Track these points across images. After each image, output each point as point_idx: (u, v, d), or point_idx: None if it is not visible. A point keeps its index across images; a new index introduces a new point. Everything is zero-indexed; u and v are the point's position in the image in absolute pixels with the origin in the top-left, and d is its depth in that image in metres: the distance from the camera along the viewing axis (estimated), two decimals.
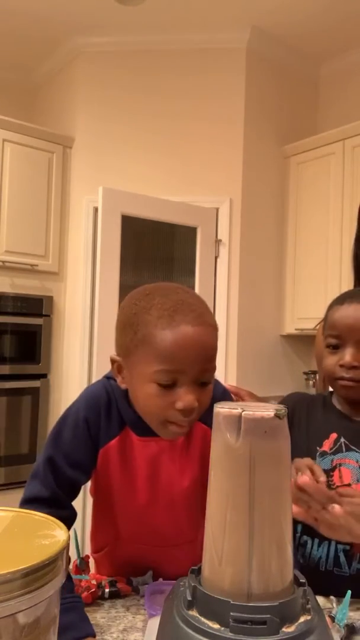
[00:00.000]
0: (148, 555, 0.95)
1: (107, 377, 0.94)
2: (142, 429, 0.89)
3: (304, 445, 1.04)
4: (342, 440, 1.02)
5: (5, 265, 2.94)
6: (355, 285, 1.43)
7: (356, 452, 1.00)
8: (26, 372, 3.01)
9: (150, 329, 0.79)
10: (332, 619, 0.78)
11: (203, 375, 0.80)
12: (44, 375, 3.08)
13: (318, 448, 1.03)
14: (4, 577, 0.41)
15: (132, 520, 0.94)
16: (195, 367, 0.79)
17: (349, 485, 0.98)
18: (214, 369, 0.83)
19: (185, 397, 0.78)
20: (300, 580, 0.59)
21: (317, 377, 3.10)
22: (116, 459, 0.90)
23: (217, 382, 0.97)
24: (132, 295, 0.87)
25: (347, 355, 0.98)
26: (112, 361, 0.88)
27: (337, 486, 0.99)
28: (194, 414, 0.81)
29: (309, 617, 0.55)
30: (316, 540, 0.98)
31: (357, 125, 2.84)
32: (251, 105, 3.08)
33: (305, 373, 3.29)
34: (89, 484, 0.98)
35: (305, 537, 1.00)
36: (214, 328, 0.83)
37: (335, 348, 1.01)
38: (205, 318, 0.81)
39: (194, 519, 0.95)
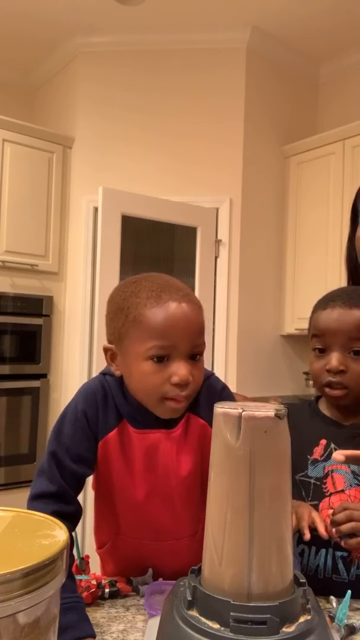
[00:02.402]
0: (149, 550, 0.96)
1: (103, 374, 0.96)
2: (139, 422, 0.91)
3: (294, 455, 1.03)
4: (332, 446, 1.02)
5: (5, 265, 2.94)
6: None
7: None
8: (26, 372, 3.00)
9: (140, 309, 0.83)
10: (332, 619, 0.78)
11: (194, 349, 0.84)
12: (44, 375, 3.08)
13: (309, 457, 1.03)
14: (4, 577, 0.41)
15: (132, 514, 0.94)
16: (185, 341, 0.83)
17: (342, 491, 0.98)
18: (203, 344, 0.87)
19: (179, 371, 0.82)
20: (300, 580, 0.59)
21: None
22: (115, 450, 0.91)
23: (216, 378, 0.99)
24: (119, 285, 0.91)
25: (334, 359, 0.98)
26: (106, 350, 0.91)
27: (331, 493, 0.99)
28: (189, 388, 0.84)
29: (309, 617, 0.55)
30: (313, 549, 0.98)
31: (357, 125, 2.84)
32: (251, 105, 3.08)
33: (305, 373, 3.29)
34: (90, 481, 0.99)
35: (302, 546, 0.99)
36: (200, 307, 0.88)
37: (320, 352, 1.01)
38: (190, 297, 0.86)
39: (193, 513, 0.95)
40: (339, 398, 1.00)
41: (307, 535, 0.88)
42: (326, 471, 1.00)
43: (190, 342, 0.83)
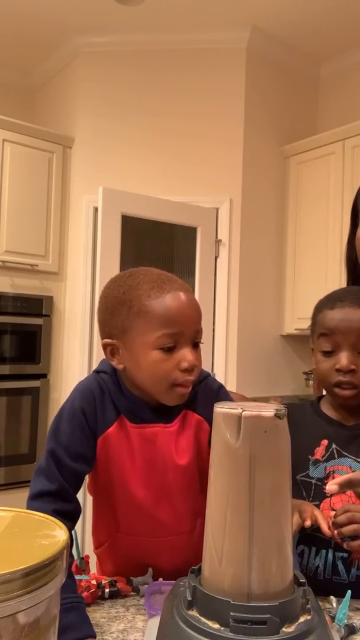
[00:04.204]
0: (148, 547, 0.96)
1: (97, 371, 0.97)
2: (137, 416, 0.92)
3: (295, 455, 1.02)
4: (334, 446, 1.02)
5: (5, 265, 2.94)
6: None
7: (348, 457, 1.00)
8: (26, 372, 3.00)
9: (144, 300, 0.86)
10: (332, 619, 0.78)
11: (197, 335, 0.89)
12: (44, 375, 3.08)
13: (310, 457, 1.02)
14: (4, 577, 0.41)
15: (132, 510, 0.94)
16: (191, 327, 0.87)
17: (343, 492, 0.98)
18: (202, 330, 0.91)
19: (187, 357, 0.86)
20: (300, 580, 0.59)
21: (313, 379, 3.10)
22: (114, 446, 0.92)
23: (213, 379, 1.01)
24: (112, 282, 0.93)
25: (344, 359, 0.97)
26: (106, 345, 0.91)
27: (333, 494, 0.99)
28: (194, 373, 0.88)
29: (309, 617, 0.55)
30: (313, 549, 0.98)
31: (357, 125, 2.84)
32: (251, 105, 3.08)
33: (305, 373, 3.29)
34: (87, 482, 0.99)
35: (302, 546, 0.99)
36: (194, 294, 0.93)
37: (329, 353, 1.00)
38: (186, 286, 0.90)
39: (191, 507, 0.96)
40: (349, 398, 0.99)
41: (308, 522, 0.88)
42: (327, 472, 1.00)
43: (194, 328, 0.87)
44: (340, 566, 0.95)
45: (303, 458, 1.02)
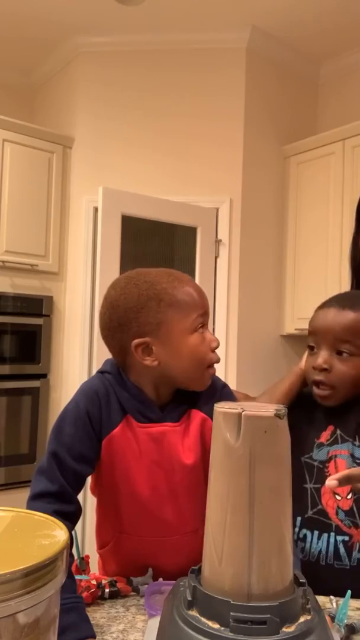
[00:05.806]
0: (152, 547, 0.96)
1: (101, 372, 0.97)
2: (143, 415, 0.92)
3: (303, 437, 1.08)
4: (339, 432, 1.05)
5: (5, 265, 2.94)
6: (352, 287, 1.44)
7: (349, 442, 1.03)
8: (26, 372, 3.00)
9: (172, 291, 0.90)
10: (332, 619, 0.78)
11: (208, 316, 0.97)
12: (44, 375, 3.08)
13: (316, 440, 1.06)
14: (4, 577, 0.41)
15: (137, 511, 0.94)
16: (208, 309, 0.95)
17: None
18: None
19: (213, 336, 0.94)
20: (300, 580, 0.59)
21: None
22: (120, 446, 0.92)
23: (217, 377, 1.02)
24: (125, 283, 0.93)
25: (319, 358, 1.02)
26: (138, 345, 0.90)
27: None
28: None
29: (309, 617, 0.55)
30: (315, 533, 1.00)
31: (357, 125, 2.84)
32: (251, 105, 3.08)
33: None
34: (89, 485, 0.99)
35: (304, 531, 1.01)
36: None
37: (312, 350, 1.05)
38: None
39: (196, 507, 0.96)
40: (324, 398, 1.03)
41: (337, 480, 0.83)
42: (329, 455, 1.03)
43: (208, 309, 0.96)
44: (342, 550, 0.98)
45: (309, 440, 1.06)
